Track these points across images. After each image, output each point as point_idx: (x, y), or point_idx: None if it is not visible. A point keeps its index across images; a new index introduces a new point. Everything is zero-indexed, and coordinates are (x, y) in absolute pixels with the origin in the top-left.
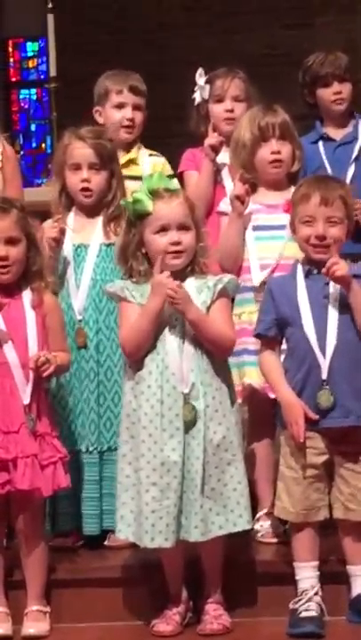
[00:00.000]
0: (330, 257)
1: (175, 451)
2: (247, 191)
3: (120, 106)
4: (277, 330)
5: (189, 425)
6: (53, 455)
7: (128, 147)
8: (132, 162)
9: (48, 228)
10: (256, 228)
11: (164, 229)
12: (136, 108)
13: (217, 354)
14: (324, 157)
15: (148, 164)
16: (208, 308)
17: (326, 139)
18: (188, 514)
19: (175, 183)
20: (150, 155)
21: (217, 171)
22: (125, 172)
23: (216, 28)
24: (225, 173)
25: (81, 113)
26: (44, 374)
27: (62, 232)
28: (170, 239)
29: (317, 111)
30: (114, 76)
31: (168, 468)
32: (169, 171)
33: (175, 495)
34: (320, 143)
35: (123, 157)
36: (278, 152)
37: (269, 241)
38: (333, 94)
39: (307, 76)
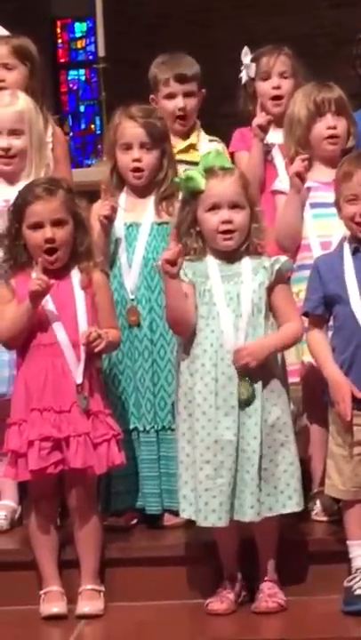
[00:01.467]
0: None
1: (230, 429)
2: (306, 168)
3: (170, 96)
4: (325, 308)
5: (246, 403)
6: (107, 433)
7: (188, 131)
8: (192, 147)
9: (100, 206)
10: (314, 206)
11: (215, 207)
12: (187, 95)
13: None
14: None
15: (206, 150)
16: (268, 289)
17: None
18: (240, 493)
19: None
20: (210, 140)
21: (267, 150)
22: (185, 157)
23: (261, 8)
24: (275, 152)
25: (130, 93)
26: (96, 350)
27: (114, 210)
28: (221, 217)
29: None
30: (161, 64)
31: (222, 446)
32: (226, 157)
33: (229, 474)
34: None
35: (183, 142)
36: (334, 127)
37: (328, 218)
38: None
39: (359, 49)
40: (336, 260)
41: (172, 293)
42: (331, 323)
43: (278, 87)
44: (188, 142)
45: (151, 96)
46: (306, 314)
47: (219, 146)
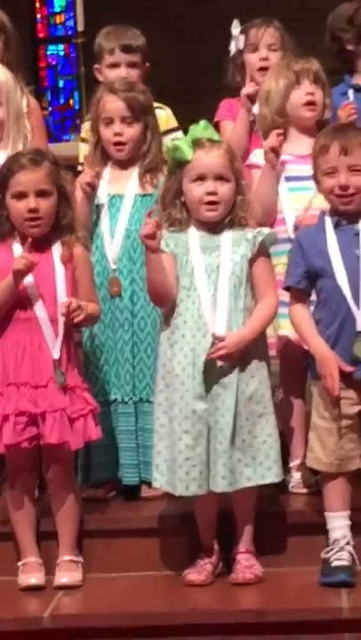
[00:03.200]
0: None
1: (204, 399)
2: (281, 142)
3: (113, 65)
4: (308, 282)
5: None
6: (83, 408)
7: None
8: None
9: (83, 174)
10: (288, 179)
11: (200, 178)
12: (131, 65)
13: None
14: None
15: None
16: (250, 261)
17: (357, 89)
18: (213, 464)
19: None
20: (155, 107)
21: (253, 121)
22: None
23: None
24: None
25: None
26: (75, 320)
27: (97, 176)
28: (206, 189)
29: (349, 58)
30: (107, 34)
31: (199, 416)
32: (173, 123)
33: (206, 443)
34: (350, 92)
35: None
36: (312, 94)
37: (303, 192)
38: None
39: (356, 18)
40: (318, 233)
41: (152, 266)
42: (313, 297)
43: (266, 59)
44: None
45: (95, 66)
46: (288, 288)
47: (163, 112)
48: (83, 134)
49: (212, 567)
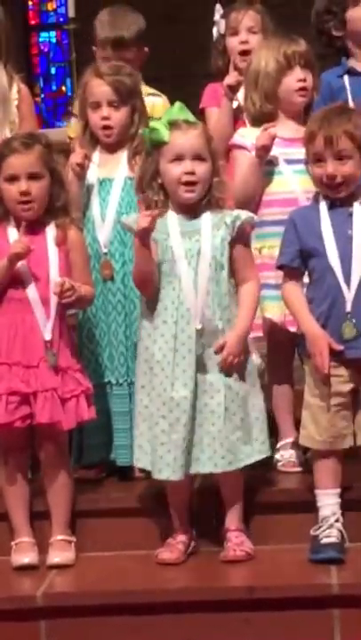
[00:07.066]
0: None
1: (186, 386)
2: (273, 140)
3: (105, 59)
4: (301, 261)
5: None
6: (75, 388)
7: None
8: None
9: (73, 154)
10: (291, 162)
11: (178, 159)
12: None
13: None
14: (348, 91)
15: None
16: (230, 244)
17: (353, 73)
18: (206, 447)
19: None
20: (149, 94)
21: (238, 107)
22: None
23: None
24: None
25: None
26: (65, 301)
27: (87, 157)
28: (184, 168)
29: (342, 45)
30: (101, 24)
31: (177, 403)
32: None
33: (185, 429)
34: (345, 77)
35: None
36: (304, 80)
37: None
38: None
39: (333, 6)
40: (312, 213)
41: (144, 257)
42: (306, 278)
43: (246, 42)
44: None
45: (93, 48)
46: (282, 267)
47: (159, 100)
48: (74, 110)
49: (184, 546)
